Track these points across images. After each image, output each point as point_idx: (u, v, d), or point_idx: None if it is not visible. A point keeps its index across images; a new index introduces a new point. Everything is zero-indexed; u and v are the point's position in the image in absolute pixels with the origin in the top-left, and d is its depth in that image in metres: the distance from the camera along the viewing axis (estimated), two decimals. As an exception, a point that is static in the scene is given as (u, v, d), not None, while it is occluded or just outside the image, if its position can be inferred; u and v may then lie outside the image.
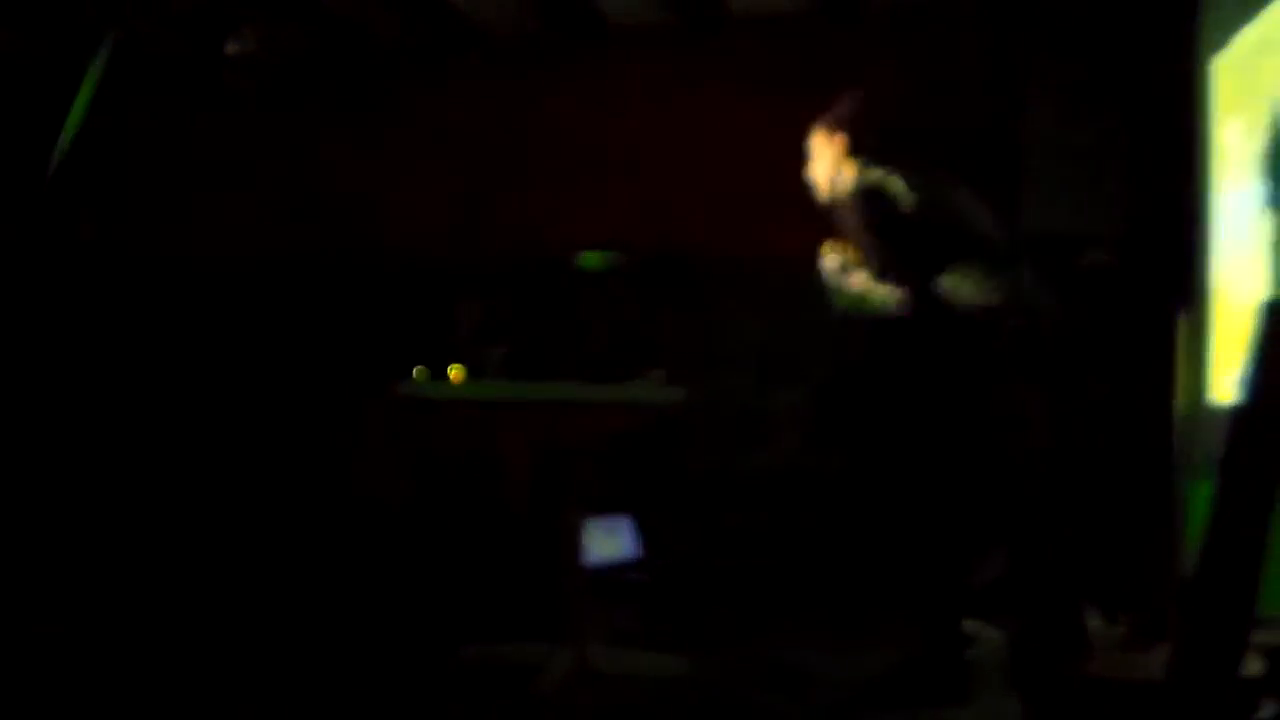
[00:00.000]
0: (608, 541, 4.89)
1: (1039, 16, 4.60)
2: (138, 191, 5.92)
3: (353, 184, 5.72)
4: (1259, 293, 3.25)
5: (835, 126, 3.38)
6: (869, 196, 3.19)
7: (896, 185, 3.15)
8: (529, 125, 5.58)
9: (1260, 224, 3.37)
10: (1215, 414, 3.60)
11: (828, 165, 3.39)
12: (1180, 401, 4.02)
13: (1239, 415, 1.69)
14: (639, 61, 5.50)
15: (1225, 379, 3.56)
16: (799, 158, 3.48)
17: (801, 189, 3.45)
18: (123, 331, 5.70)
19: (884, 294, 3.18)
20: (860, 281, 3.26)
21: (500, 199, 5.54)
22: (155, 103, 5.78)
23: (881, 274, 3.21)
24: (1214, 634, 1.68)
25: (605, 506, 4.84)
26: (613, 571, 4.82)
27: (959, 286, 3.09)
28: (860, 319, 3.29)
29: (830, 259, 3.34)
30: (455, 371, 3.50)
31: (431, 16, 5.47)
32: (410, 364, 3.54)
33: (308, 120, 5.81)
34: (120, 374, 5.64)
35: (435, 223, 5.60)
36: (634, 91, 5.49)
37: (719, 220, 5.26)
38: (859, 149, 3.32)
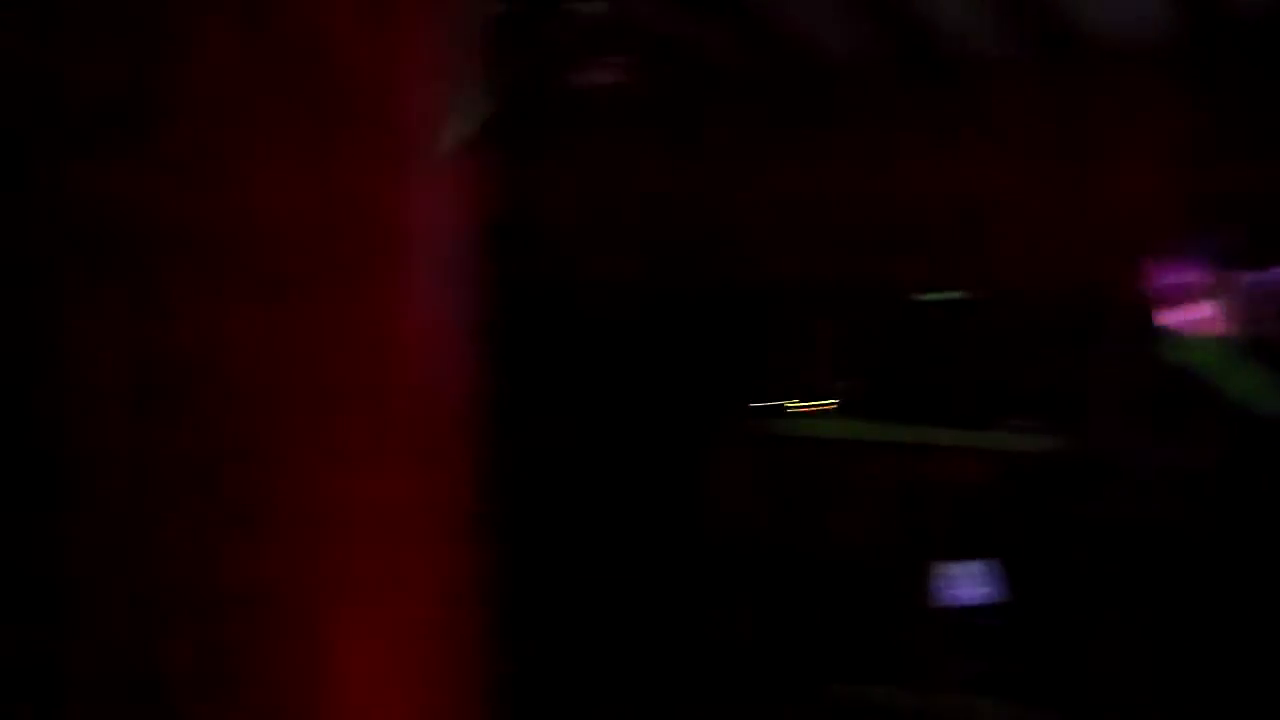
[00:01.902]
0: (966, 585, 4.79)
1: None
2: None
3: (700, 211, 5.82)
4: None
5: None
6: None
7: None
8: (893, 164, 5.52)
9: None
10: None
11: None
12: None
13: None
14: (989, 95, 5.36)
15: None
16: (1173, 193, 3.30)
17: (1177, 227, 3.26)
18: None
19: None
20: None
21: (857, 237, 5.53)
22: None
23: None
24: None
25: (963, 550, 4.75)
26: (970, 616, 4.72)
27: None
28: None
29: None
30: (814, 407, 3.59)
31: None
32: (760, 390, 3.61)
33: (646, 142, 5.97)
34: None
35: (788, 255, 5.63)
36: (991, 125, 5.37)
37: (1086, 260, 5.04)
38: None
